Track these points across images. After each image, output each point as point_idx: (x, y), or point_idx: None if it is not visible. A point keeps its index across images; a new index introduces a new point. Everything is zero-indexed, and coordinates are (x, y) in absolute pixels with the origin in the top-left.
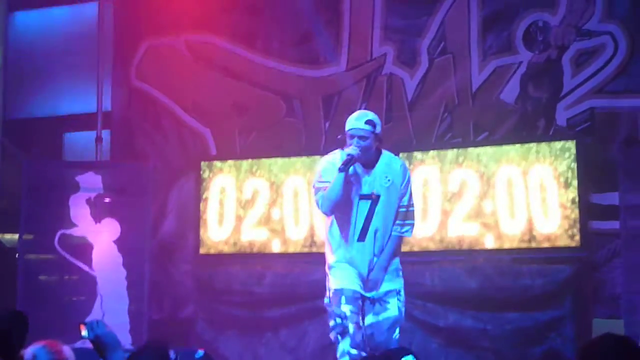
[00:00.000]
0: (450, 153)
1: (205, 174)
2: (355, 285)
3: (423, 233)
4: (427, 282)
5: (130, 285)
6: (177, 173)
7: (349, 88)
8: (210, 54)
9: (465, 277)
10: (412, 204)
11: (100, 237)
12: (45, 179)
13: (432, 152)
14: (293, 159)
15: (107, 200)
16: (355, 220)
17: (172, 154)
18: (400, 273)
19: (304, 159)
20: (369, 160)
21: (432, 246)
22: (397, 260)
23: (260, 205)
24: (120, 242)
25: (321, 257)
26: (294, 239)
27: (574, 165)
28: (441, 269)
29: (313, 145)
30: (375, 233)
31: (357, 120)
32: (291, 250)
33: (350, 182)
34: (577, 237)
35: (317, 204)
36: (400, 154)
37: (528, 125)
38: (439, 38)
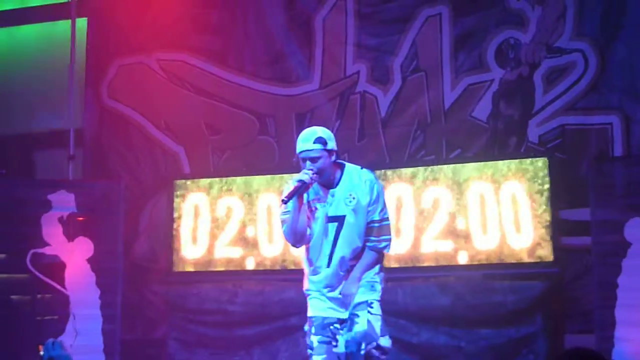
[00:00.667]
0: (423, 170)
1: (179, 193)
2: (325, 311)
3: (396, 250)
4: (399, 300)
5: (103, 305)
6: (149, 192)
7: (323, 106)
8: (183, 72)
9: (437, 294)
10: (386, 218)
11: (73, 256)
12: (16, 197)
13: (405, 170)
14: (267, 177)
15: (79, 219)
16: (322, 246)
17: (144, 173)
18: (377, 286)
19: (278, 176)
20: (328, 179)
21: (404, 263)
22: (371, 273)
23: (234, 223)
24: (93, 261)
25: (294, 274)
26: (268, 256)
27: (546, 181)
28: (413, 287)
29: (287, 163)
30: (341, 259)
31: (305, 141)
32: (266, 267)
33: (312, 209)
34: (549, 253)
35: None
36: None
37: (500, 142)
38: (412, 56)
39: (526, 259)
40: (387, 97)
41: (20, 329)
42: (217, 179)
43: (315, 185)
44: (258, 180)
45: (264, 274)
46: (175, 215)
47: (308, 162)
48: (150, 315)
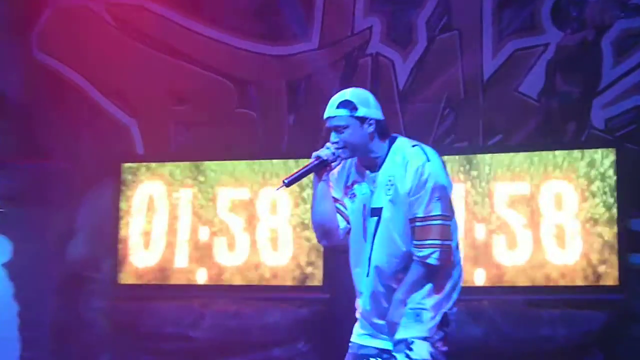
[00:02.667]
0: (452, 160)
1: (129, 180)
2: (362, 338)
3: None
4: None
5: (24, 325)
6: (91, 178)
7: (322, 71)
8: (140, 22)
9: (467, 322)
10: (437, 216)
11: None
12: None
13: None
14: (246, 163)
15: None
16: (361, 248)
17: (85, 152)
18: (424, 316)
19: (261, 162)
20: (369, 158)
21: None
22: (418, 296)
23: (200, 222)
24: (11, 267)
25: (280, 291)
26: (246, 268)
27: (613, 180)
28: None
29: (273, 145)
30: (376, 269)
31: (329, 106)
32: (240, 281)
33: (350, 197)
34: (614, 274)
35: None
36: None
37: (554, 128)
38: (442, 10)
39: (582, 280)
40: (407, 62)
41: None
42: (179, 164)
43: (353, 166)
44: (236, 167)
45: (240, 291)
46: (123, 209)
47: (333, 134)
48: (88, 340)
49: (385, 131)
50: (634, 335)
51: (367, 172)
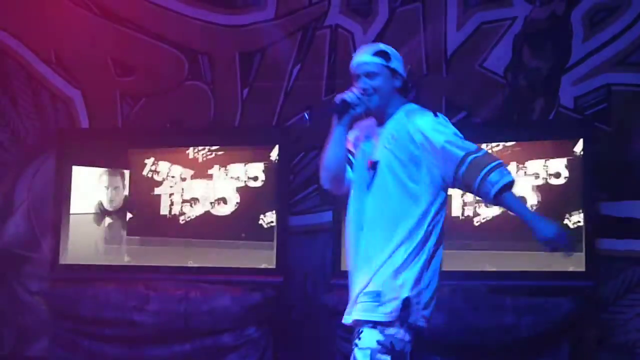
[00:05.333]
0: None
1: (70, 155)
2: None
3: None
4: None
5: None
6: (30, 152)
7: (278, 43)
8: None
9: None
10: (477, 148)
11: None
12: None
13: None
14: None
15: None
16: (359, 202)
17: (24, 125)
18: (383, 298)
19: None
20: (383, 113)
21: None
22: (398, 257)
23: (150, 197)
24: None
25: (230, 273)
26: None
27: (580, 161)
28: None
29: (224, 119)
30: (370, 218)
31: (362, 53)
32: (188, 263)
33: (356, 148)
34: (580, 260)
35: None
36: None
37: (521, 105)
38: None
39: (548, 266)
40: (367, 34)
41: None
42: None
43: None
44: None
45: (188, 273)
46: (66, 186)
47: (363, 79)
48: (25, 324)
49: (407, 91)
50: (600, 324)
51: (377, 127)
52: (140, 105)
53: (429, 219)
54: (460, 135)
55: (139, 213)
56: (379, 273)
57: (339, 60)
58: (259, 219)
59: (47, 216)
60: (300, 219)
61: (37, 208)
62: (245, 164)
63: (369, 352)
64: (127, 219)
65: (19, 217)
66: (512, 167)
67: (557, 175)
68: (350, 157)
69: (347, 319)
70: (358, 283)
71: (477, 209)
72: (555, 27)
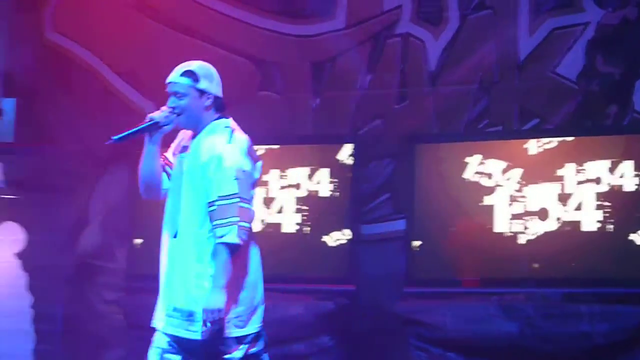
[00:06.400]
0: (486, 146)
1: None
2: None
3: None
4: (448, 324)
5: (38, 318)
6: (105, 162)
7: (349, 52)
8: (157, 0)
9: (500, 318)
10: (234, 194)
11: None
12: None
13: (460, 145)
14: (270, 148)
15: (6, 197)
16: (173, 210)
17: (99, 137)
18: (197, 317)
19: (284, 148)
20: (197, 129)
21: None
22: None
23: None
24: (24, 257)
25: (301, 281)
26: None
27: None
28: (469, 307)
29: (297, 129)
30: (181, 230)
31: (174, 73)
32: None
33: (174, 159)
34: None
35: None
36: (418, 145)
37: (594, 112)
38: None
39: (624, 273)
40: (438, 42)
41: None
42: None
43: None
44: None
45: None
46: (139, 196)
47: (172, 98)
48: (101, 333)
49: (221, 108)
50: None
51: (192, 139)
52: None
53: None
54: (239, 167)
55: None
56: (191, 290)
57: (411, 68)
58: (330, 229)
59: (122, 226)
60: (372, 228)
61: (112, 219)
62: (312, 172)
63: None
64: None
65: (95, 228)
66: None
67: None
68: (168, 168)
69: (161, 327)
70: (171, 294)
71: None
72: (628, 32)
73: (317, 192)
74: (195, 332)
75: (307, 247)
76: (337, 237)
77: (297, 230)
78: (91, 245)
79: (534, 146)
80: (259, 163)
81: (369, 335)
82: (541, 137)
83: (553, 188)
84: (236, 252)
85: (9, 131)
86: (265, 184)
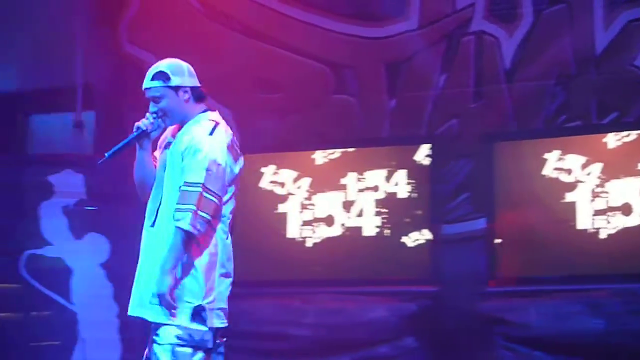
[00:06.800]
0: (565, 142)
1: None
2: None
3: None
4: (533, 322)
5: (124, 327)
6: None
7: (423, 52)
8: (230, 8)
9: (586, 315)
10: (199, 184)
11: (82, 260)
12: (5, 180)
13: (538, 142)
14: (345, 152)
15: (90, 208)
16: (154, 200)
17: None
18: (175, 304)
19: (361, 150)
20: (184, 123)
21: (539, 272)
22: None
23: (298, 213)
24: (109, 267)
25: (386, 284)
26: (345, 263)
27: None
28: (553, 304)
29: (372, 132)
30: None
31: (147, 77)
32: (343, 276)
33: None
34: None
35: None
36: (496, 143)
37: None
38: None
39: None
40: (513, 38)
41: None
42: (278, 155)
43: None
44: (332, 155)
45: (343, 285)
46: None
47: (152, 103)
48: None
49: (201, 96)
50: None
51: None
52: (288, 121)
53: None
54: (213, 159)
55: None
56: (166, 277)
57: (486, 66)
58: (409, 230)
59: None
60: (453, 227)
61: None
62: (390, 173)
63: (169, 347)
64: None
65: None
66: None
67: None
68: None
69: (136, 311)
70: (147, 280)
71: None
72: None
73: (395, 193)
74: (175, 318)
75: (387, 249)
76: (417, 238)
77: (377, 233)
78: None
79: (613, 140)
80: (241, 159)
81: (453, 336)
82: (621, 131)
83: (635, 182)
84: (191, 240)
85: (89, 143)
86: (343, 187)
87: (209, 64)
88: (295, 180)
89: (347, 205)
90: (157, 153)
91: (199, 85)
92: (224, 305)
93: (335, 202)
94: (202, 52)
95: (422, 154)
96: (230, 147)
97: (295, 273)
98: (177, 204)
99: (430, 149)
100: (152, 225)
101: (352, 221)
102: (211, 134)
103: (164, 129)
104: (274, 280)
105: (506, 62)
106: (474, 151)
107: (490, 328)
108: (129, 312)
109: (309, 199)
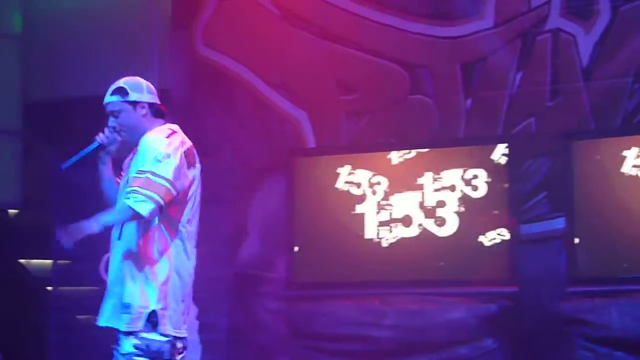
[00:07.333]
0: None
1: (302, 174)
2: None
3: None
4: (615, 323)
5: (203, 328)
6: (260, 174)
7: (499, 51)
8: (305, 9)
9: None
10: (147, 171)
11: None
12: (84, 182)
13: (616, 140)
14: (422, 152)
15: None
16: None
17: (254, 148)
18: (130, 309)
19: (437, 151)
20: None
21: (621, 272)
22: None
23: (375, 214)
24: None
25: (464, 285)
26: (424, 263)
27: None
28: (634, 304)
29: (449, 132)
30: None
31: (107, 93)
32: (422, 277)
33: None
34: None
35: None
36: (574, 142)
37: None
38: None
39: None
40: (590, 36)
41: None
42: (354, 156)
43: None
44: (409, 156)
45: (422, 286)
46: (298, 205)
47: (110, 118)
48: (265, 342)
49: (159, 113)
50: None
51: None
52: (365, 122)
53: (155, 237)
54: (164, 153)
55: None
56: (127, 286)
57: (562, 64)
58: (487, 230)
59: (281, 236)
60: (531, 227)
61: (270, 228)
62: (466, 173)
63: (128, 357)
64: None
65: (253, 239)
66: None
67: None
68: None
69: (105, 322)
70: (112, 291)
71: None
72: None
73: (472, 193)
74: (132, 324)
75: (465, 250)
76: (494, 238)
77: (454, 233)
78: (251, 255)
79: None
80: (198, 167)
81: (533, 336)
82: None
83: None
84: (134, 217)
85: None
86: (420, 187)
87: (284, 66)
88: (371, 180)
89: (424, 205)
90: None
91: (157, 102)
92: (180, 315)
93: (412, 202)
94: (277, 55)
95: (499, 153)
96: (186, 153)
97: (374, 274)
98: (132, 186)
99: (507, 148)
100: (119, 238)
101: (429, 221)
102: (166, 137)
103: (128, 147)
104: (352, 281)
105: (583, 59)
106: (551, 150)
107: (570, 328)
108: (98, 323)
109: (385, 199)
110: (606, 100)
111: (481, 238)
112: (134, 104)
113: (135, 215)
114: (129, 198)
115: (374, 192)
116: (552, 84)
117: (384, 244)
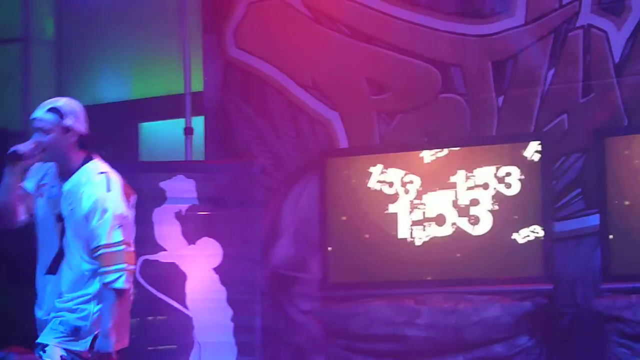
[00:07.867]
0: None
1: (334, 174)
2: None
3: None
4: None
5: (238, 330)
6: (293, 175)
7: (530, 48)
8: (335, 10)
9: None
10: (120, 242)
11: (196, 264)
12: None
13: None
14: (454, 150)
15: (203, 213)
16: (49, 243)
17: (286, 149)
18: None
19: (469, 149)
20: (64, 167)
21: None
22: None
23: (408, 213)
24: (222, 271)
25: (498, 283)
26: (457, 262)
27: None
28: None
29: (481, 130)
30: (63, 277)
31: (41, 108)
32: (456, 275)
33: (41, 194)
34: None
35: None
36: (607, 138)
37: None
38: None
39: None
40: (622, 32)
41: None
42: (386, 155)
43: (52, 168)
44: (441, 155)
45: (457, 285)
46: (330, 206)
47: (38, 134)
48: (299, 343)
49: (85, 145)
50: None
51: (60, 178)
52: (397, 121)
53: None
54: (121, 214)
55: None
56: (111, 337)
57: (594, 60)
58: (520, 228)
59: (314, 236)
60: (565, 224)
61: (303, 229)
62: (499, 171)
63: None
64: None
65: (286, 240)
66: None
67: None
68: (30, 200)
69: (43, 339)
70: (67, 316)
71: None
72: None
73: (505, 191)
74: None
75: (499, 248)
76: (528, 235)
77: (488, 231)
78: (285, 256)
79: None
80: (133, 198)
81: (569, 334)
82: None
83: None
84: (125, 295)
85: (200, 149)
86: (453, 185)
87: (314, 67)
88: (404, 179)
89: (457, 203)
90: (28, 185)
91: (86, 133)
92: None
93: (445, 201)
94: (308, 56)
95: (532, 151)
96: (124, 192)
97: (407, 274)
98: (104, 266)
99: (539, 145)
100: (54, 273)
101: (463, 220)
102: (109, 189)
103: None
104: (386, 281)
105: (615, 55)
106: (584, 147)
107: (605, 325)
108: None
109: (418, 198)
110: (639, 96)
111: (515, 236)
112: (67, 129)
113: (125, 293)
114: (114, 279)
115: (406, 192)
116: (584, 80)
117: (417, 243)
